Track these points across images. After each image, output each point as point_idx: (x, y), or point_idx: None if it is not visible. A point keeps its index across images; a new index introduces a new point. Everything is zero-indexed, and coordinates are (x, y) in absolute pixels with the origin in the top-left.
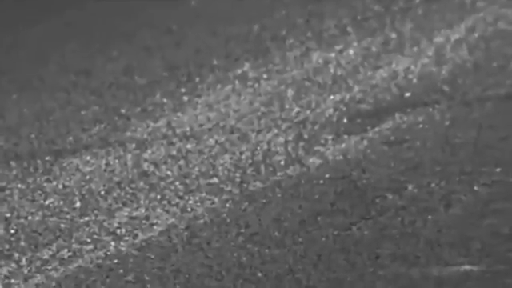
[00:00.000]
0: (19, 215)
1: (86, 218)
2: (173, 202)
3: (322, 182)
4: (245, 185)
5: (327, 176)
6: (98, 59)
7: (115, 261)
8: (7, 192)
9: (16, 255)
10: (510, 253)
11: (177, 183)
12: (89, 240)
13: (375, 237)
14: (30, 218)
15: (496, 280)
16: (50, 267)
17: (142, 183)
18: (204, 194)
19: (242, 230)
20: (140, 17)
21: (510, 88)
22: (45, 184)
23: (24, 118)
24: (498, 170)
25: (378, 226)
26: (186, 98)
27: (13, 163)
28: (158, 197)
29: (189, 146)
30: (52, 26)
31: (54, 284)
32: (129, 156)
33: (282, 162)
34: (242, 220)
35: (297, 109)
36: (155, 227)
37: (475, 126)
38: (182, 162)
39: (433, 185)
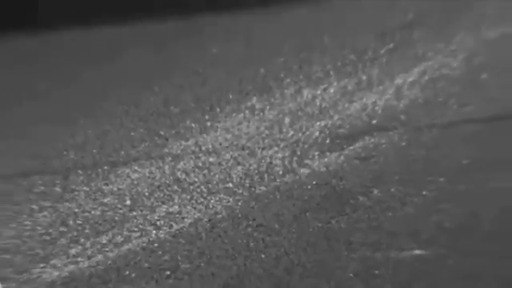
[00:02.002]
0: (84, 210)
1: (134, 213)
2: (199, 201)
3: (309, 187)
4: (252, 189)
5: (314, 183)
6: (144, 94)
7: (155, 245)
8: (76, 193)
9: (82, 240)
10: (449, 241)
11: (202, 187)
12: (136, 229)
13: (349, 228)
14: (92, 212)
15: (439, 262)
16: (107, 249)
17: (175, 187)
18: (222, 195)
19: (250, 223)
20: (175, 61)
21: (451, 118)
22: (103, 187)
23: (88, 138)
24: (441, 179)
25: (351, 221)
26: (209, 124)
27: (80, 171)
28: (188, 197)
29: (211, 160)
30: (111, 68)
31: (109, 262)
32: (166, 167)
33: (280, 172)
34: (250, 215)
35: (291, 132)
36: (185, 220)
37: (425, 147)
38: (205, 172)
39: (392, 189)
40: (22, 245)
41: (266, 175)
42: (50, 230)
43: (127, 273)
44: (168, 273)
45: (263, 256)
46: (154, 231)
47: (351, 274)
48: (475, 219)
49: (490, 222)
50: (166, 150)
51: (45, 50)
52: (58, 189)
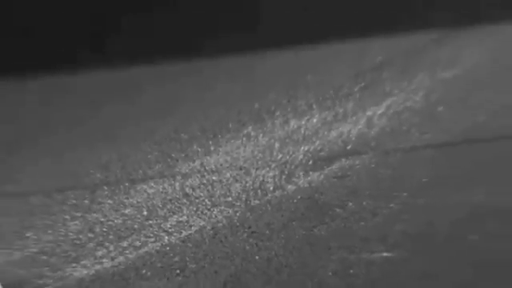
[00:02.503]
0: (108, 219)
1: (150, 222)
2: (203, 212)
3: (295, 200)
4: (248, 202)
5: (299, 197)
6: (158, 123)
7: (167, 248)
8: (101, 205)
9: (106, 244)
10: (412, 246)
11: (206, 200)
12: (151, 235)
13: (328, 235)
14: (115, 221)
15: (403, 263)
16: (127, 252)
17: (184, 200)
18: (223, 207)
19: (246, 230)
20: (183, 97)
21: (413, 143)
22: (125, 200)
23: (112, 160)
24: (404, 194)
25: (330, 229)
26: (212, 148)
27: (105, 187)
28: (194, 209)
29: (214, 178)
30: (131, 103)
31: (129, 262)
32: (177, 184)
33: (271, 188)
34: (246, 223)
35: (280, 155)
36: (192, 228)
37: (391, 167)
38: (209, 188)
39: (364, 203)
40: (56, 248)
41: (259, 191)
42: (80, 236)
43: (144, 271)
44: (178, 271)
45: (257, 258)
46: (167, 237)
47: (330, 273)
48: (432, 228)
49: (445, 231)
50: (177, 170)
51: (81, 87)
52: (86, 202)
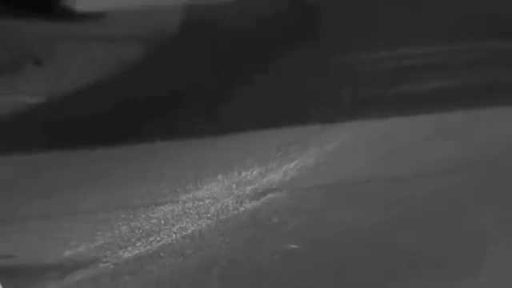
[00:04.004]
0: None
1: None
2: (199, 221)
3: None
4: (231, 209)
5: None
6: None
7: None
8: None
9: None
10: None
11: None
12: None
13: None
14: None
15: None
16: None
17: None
18: (209, 215)
19: (223, 227)
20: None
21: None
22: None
23: (142, 191)
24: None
25: None
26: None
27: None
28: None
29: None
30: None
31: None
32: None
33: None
34: (224, 226)
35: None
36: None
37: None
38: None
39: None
40: None
41: (239, 203)
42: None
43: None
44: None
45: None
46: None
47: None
48: None
49: None
50: (183, 200)
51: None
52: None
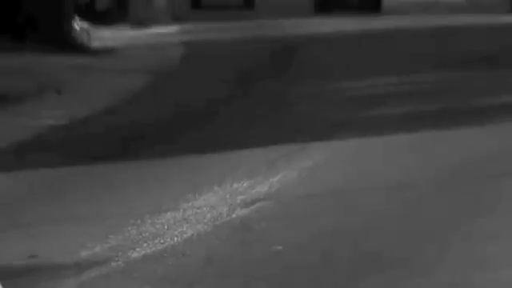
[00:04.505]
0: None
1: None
2: (197, 226)
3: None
4: (225, 215)
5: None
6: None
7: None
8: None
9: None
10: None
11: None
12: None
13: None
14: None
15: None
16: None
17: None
18: (206, 221)
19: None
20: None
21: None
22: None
23: (148, 201)
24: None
25: None
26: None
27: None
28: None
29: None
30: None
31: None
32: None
33: (239, 208)
34: (220, 231)
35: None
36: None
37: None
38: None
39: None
40: None
41: (230, 210)
42: None
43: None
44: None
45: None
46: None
47: None
48: None
49: None
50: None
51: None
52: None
